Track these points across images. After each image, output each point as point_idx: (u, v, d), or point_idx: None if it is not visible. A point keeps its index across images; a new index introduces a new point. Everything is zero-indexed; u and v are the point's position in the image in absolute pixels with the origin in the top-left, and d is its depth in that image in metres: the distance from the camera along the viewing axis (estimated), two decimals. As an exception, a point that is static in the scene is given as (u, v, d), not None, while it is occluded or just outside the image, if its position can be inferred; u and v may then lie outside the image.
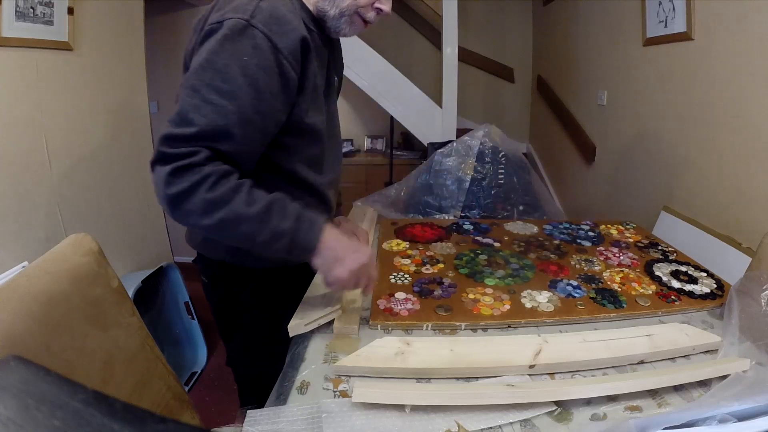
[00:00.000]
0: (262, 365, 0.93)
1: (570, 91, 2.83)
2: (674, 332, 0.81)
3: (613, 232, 1.32)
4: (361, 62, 2.50)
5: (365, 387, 0.66)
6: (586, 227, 1.35)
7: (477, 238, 1.26)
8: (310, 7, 0.84)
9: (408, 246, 1.20)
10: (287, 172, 0.86)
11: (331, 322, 0.84)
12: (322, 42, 0.87)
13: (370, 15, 0.85)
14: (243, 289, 0.95)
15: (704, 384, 0.71)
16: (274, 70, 0.74)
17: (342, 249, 0.77)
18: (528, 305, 0.92)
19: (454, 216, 1.74)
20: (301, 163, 0.87)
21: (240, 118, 0.72)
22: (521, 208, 1.80)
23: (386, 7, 0.84)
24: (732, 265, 1.24)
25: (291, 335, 0.81)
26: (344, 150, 3.50)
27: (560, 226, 1.35)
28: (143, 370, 0.81)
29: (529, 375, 0.73)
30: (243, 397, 1.10)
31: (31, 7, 1.41)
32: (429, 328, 0.86)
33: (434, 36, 3.29)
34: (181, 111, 0.71)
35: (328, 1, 0.83)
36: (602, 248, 1.20)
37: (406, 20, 3.47)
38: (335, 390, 0.70)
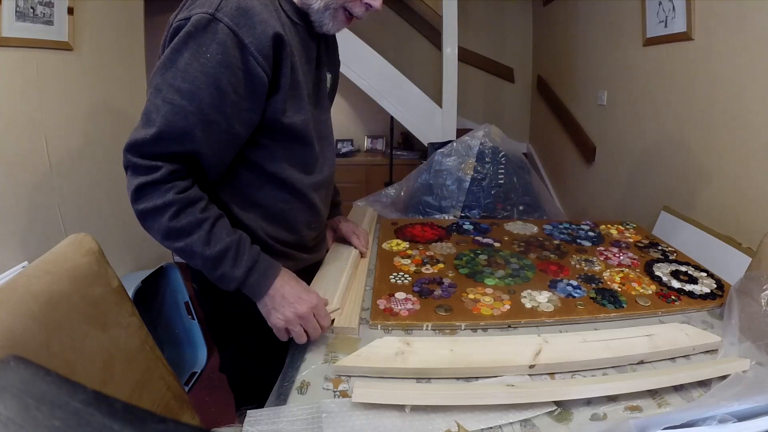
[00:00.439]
0: (255, 372, 0.92)
1: (570, 91, 2.84)
2: (674, 332, 0.81)
3: (613, 232, 1.32)
4: (361, 62, 2.50)
5: (365, 387, 0.66)
6: (586, 227, 1.35)
7: (477, 238, 1.26)
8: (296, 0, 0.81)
9: (408, 246, 1.20)
10: (269, 172, 0.83)
11: (331, 322, 0.84)
12: (309, 36, 0.83)
13: (358, 10, 0.81)
14: (233, 297, 0.90)
15: (704, 384, 0.71)
16: (238, 68, 0.70)
17: (280, 297, 0.77)
18: (528, 305, 0.92)
19: (454, 216, 1.74)
20: (284, 164, 0.84)
21: (201, 118, 0.70)
22: (521, 208, 1.80)
23: (376, 2, 0.80)
24: (732, 265, 1.24)
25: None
26: (344, 150, 3.50)
27: (560, 226, 1.35)
28: (143, 370, 0.81)
29: (529, 375, 0.73)
30: (239, 402, 1.09)
31: (31, 7, 1.41)
32: (429, 328, 0.86)
33: (434, 36, 3.29)
34: (145, 111, 0.71)
35: None
36: (602, 248, 1.20)
37: (406, 20, 3.47)
38: (335, 390, 0.70)
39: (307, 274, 0.97)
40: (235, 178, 0.83)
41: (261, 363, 0.89)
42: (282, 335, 0.79)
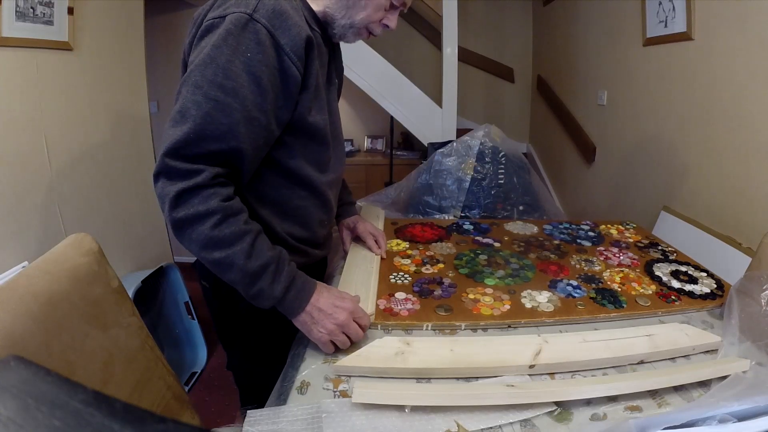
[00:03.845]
0: (263, 370, 0.93)
1: (570, 91, 2.84)
2: (674, 332, 0.81)
3: (613, 232, 1.32)
4: (362, 62, 2.50)
5: (365, 387, 0.66)
6: (586, 227, 1.35)
7: (477, 238, 1.26)
8: (315, 8, 0.84)
9: (408, 246, 1.20)
10: (289, 170, 0.85)
11: (369, 320, 0.83)
12: (324, 42, 0.87)
13: (378, 29, 0.87)
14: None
15: (704, 384, 0.71)
16: (275, 67, 0.73)
17: (317, 311, 0.77)
18: (528, 305, 0.92)
19: (454, 216, 1.74)
20: (303, 162, 0.86)
21: (244, 115, 0.71)
22: (521, 208, 1.80)
23: (393, 24, 0.87)
24: (732, 265, 1.24)
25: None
26: (345, 150, 3.51)
27: (560, 226, 1.35)
28: (143, 370, 0.81)
29: (529, 375, 0.73)
30: (244, 399, 1.10)
31: (31, 7, 1.41)
32: (429, 328, 0.86)
33: (434, 36, 3.29)
34: (182, 108, 0.69)
35: (341, 11, 0.83)
36: (602, 248, 1.20)
37: (406, 20, 3.47)
38: (335, 390, 0.70)
39: (316, 268, 1.00)
40: (255, 175, 0.84)
41: (269, 361, 0.89)
42: (327, 347, 0.78)
